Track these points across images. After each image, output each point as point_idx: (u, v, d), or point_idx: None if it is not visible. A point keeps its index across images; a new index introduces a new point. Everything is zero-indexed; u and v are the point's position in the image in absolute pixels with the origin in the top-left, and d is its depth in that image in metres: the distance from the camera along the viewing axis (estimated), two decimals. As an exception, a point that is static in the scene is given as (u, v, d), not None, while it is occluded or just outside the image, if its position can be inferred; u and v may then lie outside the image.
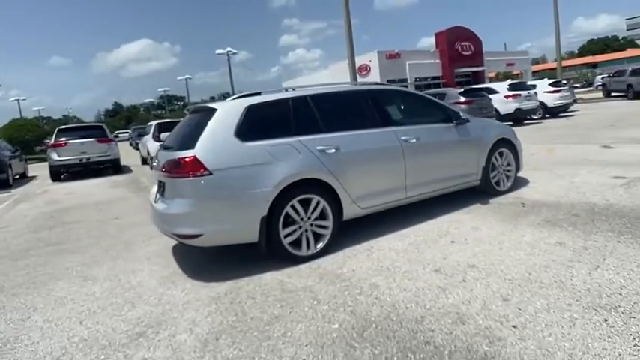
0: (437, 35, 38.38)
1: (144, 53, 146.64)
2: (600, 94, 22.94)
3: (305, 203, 3.55)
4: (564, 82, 17.66)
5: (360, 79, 39.65)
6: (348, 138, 3.87)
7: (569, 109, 16.10)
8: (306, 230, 3.56)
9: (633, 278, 2.55)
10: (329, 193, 3.65)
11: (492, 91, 14.26)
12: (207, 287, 3.24)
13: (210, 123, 3.43)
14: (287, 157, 3.51)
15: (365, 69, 39.02)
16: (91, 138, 12.39)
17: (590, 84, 35.16)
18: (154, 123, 14.01)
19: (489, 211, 4.41)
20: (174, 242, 4.61)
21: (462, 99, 12.63)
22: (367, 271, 3.19)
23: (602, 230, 3.45)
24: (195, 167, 3.24)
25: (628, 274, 2.62)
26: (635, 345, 1.93)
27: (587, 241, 3.26)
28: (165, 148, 3.98)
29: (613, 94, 21.20)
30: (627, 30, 49.94)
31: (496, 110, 13.49)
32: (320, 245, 3.61)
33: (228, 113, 3.52)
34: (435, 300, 2.61)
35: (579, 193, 4.68)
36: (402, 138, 4.11)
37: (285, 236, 3.45)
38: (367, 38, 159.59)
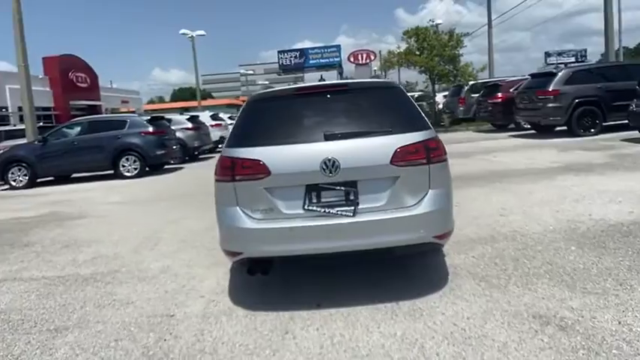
0: (45, 60, 32.51)
1: None
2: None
3: None
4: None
5: None
6: None
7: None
8: None
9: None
10: None
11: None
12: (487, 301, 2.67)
13: (409, 100, 2.87)
14: None
15: None
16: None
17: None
18: None
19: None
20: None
21: (190, 125, 12.79)
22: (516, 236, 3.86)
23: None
24: (443, 149, 2.69)
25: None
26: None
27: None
28: (330, 137, 2.57)
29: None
30: (203, 84, 64.13)
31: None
32: None
33: None
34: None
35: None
36: None
37: None
38: None
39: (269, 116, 2.85)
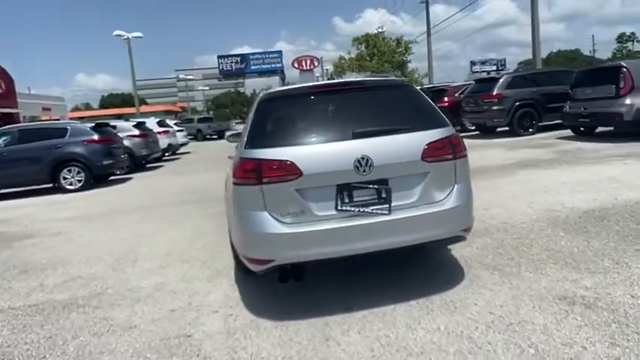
0: (-53, 62, 28.41)
1: None
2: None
3: None
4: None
5: None
6: None
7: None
8: None
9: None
10: None
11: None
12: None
13: (425, 97, 2.92)
14: None
15: None
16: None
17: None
18: None
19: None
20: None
21: (137, 132, 11.95)
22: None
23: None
24: (464, 145, 2.76)
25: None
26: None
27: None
28: (359, 135, 2.53)
29: (208, 136, 27.12)
30: (139, 89, 60.34)
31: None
32: None
33: None
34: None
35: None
36: None
37: None
38: None
39: (288, 115, 2.73)
